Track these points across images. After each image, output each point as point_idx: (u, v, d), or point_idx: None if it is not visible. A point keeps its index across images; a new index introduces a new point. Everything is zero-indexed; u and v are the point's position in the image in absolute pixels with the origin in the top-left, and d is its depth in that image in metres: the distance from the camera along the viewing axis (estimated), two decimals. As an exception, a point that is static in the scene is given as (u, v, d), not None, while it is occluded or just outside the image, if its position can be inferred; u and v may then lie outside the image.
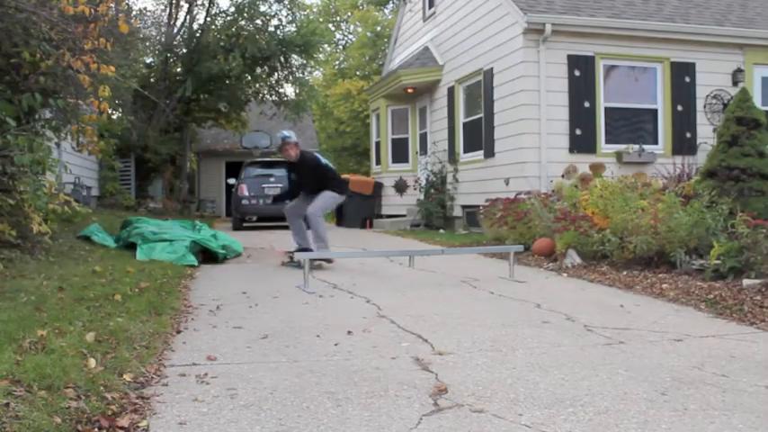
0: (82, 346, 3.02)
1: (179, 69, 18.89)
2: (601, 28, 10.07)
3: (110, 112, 10.12)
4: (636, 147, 10.21)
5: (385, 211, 15.54)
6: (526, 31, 9.82)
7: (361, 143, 31.43)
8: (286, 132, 7.27)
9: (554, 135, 9.99)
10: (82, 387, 2.48)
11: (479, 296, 5.17)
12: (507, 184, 10.22)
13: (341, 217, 15.43)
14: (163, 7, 19.14)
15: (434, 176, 13.09)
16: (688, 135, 10.61)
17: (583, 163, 9.30)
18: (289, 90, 20.15)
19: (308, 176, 7.14)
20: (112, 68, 6.40)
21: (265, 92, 19.76)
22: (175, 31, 18.67)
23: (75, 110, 6.87)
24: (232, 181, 15.45)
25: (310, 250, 6.82)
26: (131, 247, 7.46)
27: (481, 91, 11.46)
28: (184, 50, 18.50)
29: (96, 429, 2.19)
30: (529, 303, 4.77)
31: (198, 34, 18.31)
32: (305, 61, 19.43)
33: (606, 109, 10.30)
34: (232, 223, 14.68)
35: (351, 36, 39.74)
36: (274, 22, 18.76)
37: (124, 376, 2.73)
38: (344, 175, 16.22)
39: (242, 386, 2.75)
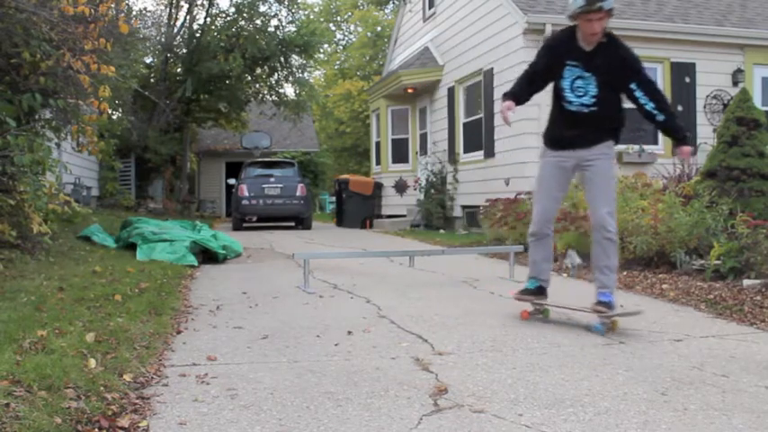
0: (82, 347, 3.02)
1: (179, 69, 18.89)
2: (601, 28, 10.06)
3: (110, 112, 10.12)
4: (636, 147, 10.21)
5: (385, 211, 15.54)
6: (526, 31, 9.82)
7: (362, 143, 31.45)
8: None
9: (554, 135, 9.97)
10: (82, 387, 2.48)
11: (479, 296, 5.17)
12: (507, 184, 10.22)
13: (341, 217, 15.43)
14: (163, 7, 19.14)
15: (434, 176, 13.09)
16: (688, 135, 10.61)
17: (583, 163, 9.29)
18: (289, 90, 20.17)
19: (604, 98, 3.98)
20: (112, 69, 6.41)
21: (265, 92, 19.76)
22: (175, 31, 18.67)
23: (76, 110, 6.87)
24: (232, 181, 15.46)
25: (543, 291, 4.25)
26: (131, 247, 7.46)
27: (481, 91, 11.46)
28: (184, 50, 18.50)
29: (96, 429, 2.19)
30: (529, 304, 4.76)
31: (198, 34, 18.31)
32: (305, 61, 19.44)
33: (606, 109, 10.30)
34: (232, 223, 14.69)
35: (351, 36, 39.75)
36: (274, 22, 18.78)
37: (124, 376, 2.73)
38: (344, 176, 16.30)
39: (242, 386, 2.75)
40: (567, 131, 4.06)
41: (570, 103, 3.99)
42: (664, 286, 5.32)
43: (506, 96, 4.08)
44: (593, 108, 3.94)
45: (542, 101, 10.21)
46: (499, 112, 4.23)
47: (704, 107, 10.66)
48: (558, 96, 4.07)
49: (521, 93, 4.16)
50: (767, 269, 5.07)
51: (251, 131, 22.39)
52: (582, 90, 3.95)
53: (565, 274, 6.33)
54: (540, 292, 4.21)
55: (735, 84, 10.57)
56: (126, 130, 14.10)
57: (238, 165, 18.02)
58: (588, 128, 3.99)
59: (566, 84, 3.98)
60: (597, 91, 3.93)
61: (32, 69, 6.18)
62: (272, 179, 14.50)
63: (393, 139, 15.46)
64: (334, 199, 19.11)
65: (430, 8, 14.28)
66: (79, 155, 11.99)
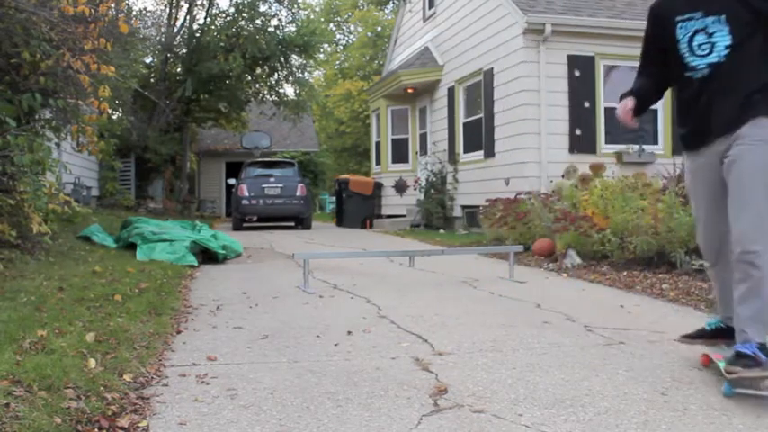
0: (82, 347, 3.02)
1: (179, 69, 18.90)
2: (601, 28, 10.08)
3: (110, 112, 10.12)
4: (636, 147, 10.21)
5: (385, 211, 15.55)
6: (526, 31, 9.82)
7: (362, 143, 31.46)
8: None
9: (554, 135, 9.99)
10: (82, 387, 2.48)
11: (479, 296, 5.16)
12: (507, 184, 10.22)
13: (341, 217, 15.44)
14: (163, 7, 19.15)
15: (434, 176, 13.09)
16: None
17: (583, 163, 9.30)
18: (289, 90, 20.19)
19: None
20: (112, 68, 6.41)
21: (265, 92, 19.78)
22: (175, 31, 18.68)
23: (75, 110, 6.87)
24: (232, 181, 15.49)
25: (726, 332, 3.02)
26: (131, 247, 7.46)
27: (481, 91, 11.46)
28: (184, 50, 18.51)
29: (96, 429, 2.19)
30: (529, 303, 4.77)
31: (198, 34, 18.32)
32: (305, 61, 19.45)
33: (606, 109, 10.29)
34: (232, 223, 14.70)
35: (351, 36, 39.78)
36: (274, 22, 18.81)
37: (124, 376, 2.73)
38: (344, 176, 16.29)
39: (242, 386, 2.75)
40: (697, 114, 2.91)
41: (695, 69, 2.84)
42: (664, 286, 5.32)
43: (623, 95, 3.18)
44: (732, 62, 2.74)
45: (542, 101, 10.20)
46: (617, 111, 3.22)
47: (704, 107, 10.65)
48: (677, 71, 2.96)
49: (638, 87, 3.22)
50: (767, 269, 5.06)
51: (251, 131, 22.41)
52: (707, 46, 2.79)
53: (565, 274, 6.33)
54: (718, 334, 3.07)
55: (735, 84, 10.57)
56: (126, 130, 14.11)
57: (238, 165, 18.04)
58: (726, 97, 2.77)
59: (683, 46, 2.87)
60: (732, 37, 2.73)
61: (32, 69, 6.18)
62: (272, 179, 14.52)
63: (393, 139, 15.47)
64: (334, 199, 19.12)
65: (430, 8, 14.28)
66: (79, 155, 11.99)
